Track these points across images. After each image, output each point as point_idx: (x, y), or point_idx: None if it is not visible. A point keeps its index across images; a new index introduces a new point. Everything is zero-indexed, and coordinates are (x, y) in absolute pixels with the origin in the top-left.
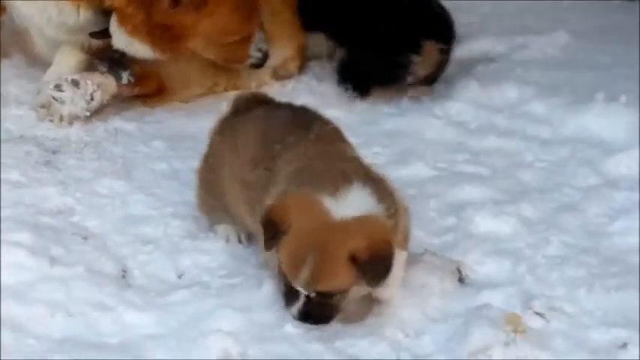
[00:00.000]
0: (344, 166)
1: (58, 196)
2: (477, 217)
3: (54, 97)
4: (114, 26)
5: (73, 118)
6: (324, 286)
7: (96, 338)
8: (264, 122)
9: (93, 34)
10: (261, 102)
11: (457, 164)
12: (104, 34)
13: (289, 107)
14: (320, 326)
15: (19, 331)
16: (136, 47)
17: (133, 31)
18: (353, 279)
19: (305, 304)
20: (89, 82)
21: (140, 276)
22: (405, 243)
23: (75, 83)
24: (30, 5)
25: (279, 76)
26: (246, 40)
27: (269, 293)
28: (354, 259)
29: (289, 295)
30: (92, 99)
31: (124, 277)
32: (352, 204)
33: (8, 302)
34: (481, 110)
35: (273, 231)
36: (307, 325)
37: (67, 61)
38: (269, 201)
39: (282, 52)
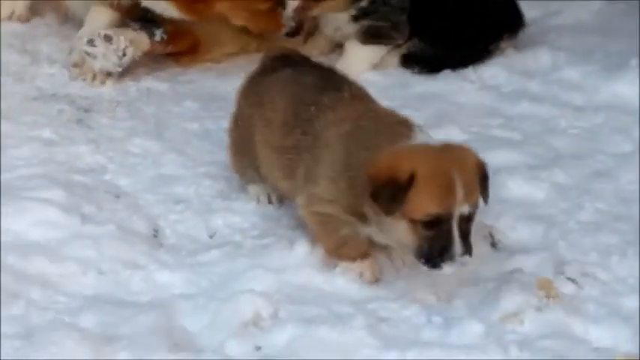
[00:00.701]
0: (394, 122)
1: (90, 155)
2: (509, 181)
3: (86, 52)
4: None
5: (105, 74)
6: (475, 198)
7: (127, 296)
8: (292, 84)
9: None
10: (291, 59)
11: (490, 129)
12: None
13: (316, 67)
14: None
15: (49, 288)
16: (161, 6)
17: None
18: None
19: (461, 236)
20: (122, 37)
21: (171, 235)
22: None
23: (107, 38)
24: None
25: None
26: (278, 7)
27: (301, 254)
28: (479, 176)
29: (438, 244)
30: (124, 55)
31: (155, 236)
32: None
33: (39, 259)
34: (515, 75)
35: (393, 190)
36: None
37: (99, 20)
38: (324, 168)
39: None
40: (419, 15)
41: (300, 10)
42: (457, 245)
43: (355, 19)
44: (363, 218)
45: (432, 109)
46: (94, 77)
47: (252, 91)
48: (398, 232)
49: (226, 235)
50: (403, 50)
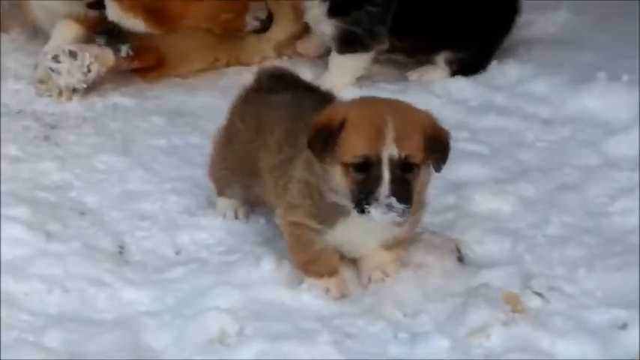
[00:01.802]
0: None
1: (55, 171)
2: (476, 195)
3: (51, 69)
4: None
5: (69, 90)
6: (410, 146)
7: (92, 314)
8: (291, 108)
9: (90, 5)
10: (286, 78)
11: (457, 142)
12: (100, 4)
13: (313, 91)
14: (403, 210)
15: (14, 306)
16: (130, 22)
17: (128, 7)
18: (423, 153)
19: (392, 180)
20: (87, 53)
21: (137, 252)
22: None
23: (72, 54)
24: None
25: (282, 52)
26: (241, 14)
27: (267, 270)
28: (424, 132)
29: (367, 187)
30: (89, 71)
31: (121, 253)
32: None
33: (4, 277)
34: (481, 88)
35: (325, 135)
36: (388, 216)
37: (65, 35)
38: (295, 173)
39: (286, 29)
40: (448, 24)
41: None
42: (385, 188)
43: (329, 14)
44: (328, 222)
45: None
46: (60, 93)
47: (248, 112)
48: (334, 179)
49: (192, 251)
50: (448, 70)
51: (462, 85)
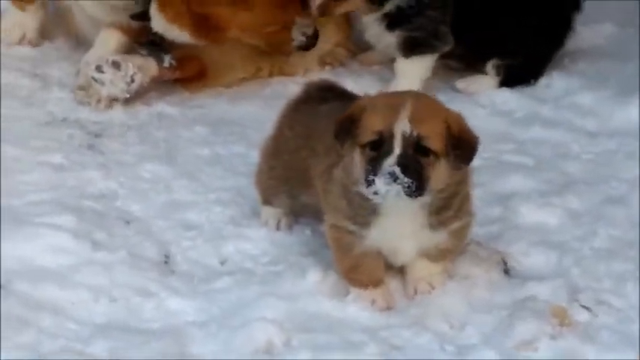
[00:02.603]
0: None
1: (100, 180)
2: (522, 207)
3: (94, 79)
4: (154, 10)
5: (112, 100)
6: (425, 128)
7: (138, 324)
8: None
9: (133, 16)
10: (335, 89)
11: (503, 154)
12: (144, 16)
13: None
14: (409, 187)
15: (60, 315)
16: (175, 33)
17: (174, 18)
18: (444, 146)
19: (401, 155)
20: (130, 64)
21: (183, 262)
22: None
23: (115, 65)
24: None
25: (326, 62)
26: (287, 27)
27: (313, 282)
28: (448, 126)
29: (377, 161)
30: (132, 81)
31: (166, 262)
32: None
33: (50, 286)
34: (527, 100)
35: (348, 123)
36: (393, 187)
37: (107, 44)
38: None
39: (329, 39)
40: (500, 33)
41: (323, 7)
42: (392, 158)
43: (389, 27)
44: (362, 223)
45: None
46: (99, 101)
47: (298, 122)
48: (355, 167)
49: (238, 261)
50: (496, 77)
51: (508, 97)
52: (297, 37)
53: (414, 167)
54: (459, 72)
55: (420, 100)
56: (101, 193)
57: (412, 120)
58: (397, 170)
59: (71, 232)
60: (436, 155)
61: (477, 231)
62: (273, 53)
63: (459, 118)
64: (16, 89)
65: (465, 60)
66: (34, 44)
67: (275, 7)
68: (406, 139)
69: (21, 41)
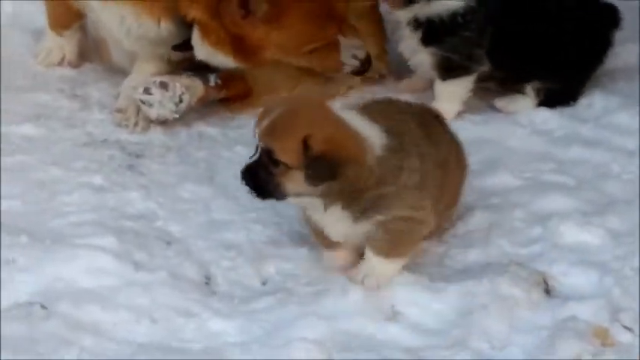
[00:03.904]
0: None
1: (141, 201)
2: (562, 227)
3: (142, 101)
4: (196, 38)
5: (148, 121)
6: (273, 140)
7: (179, 344)
8: None
9: (175, 47)
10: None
11: (542, 174)
12: (186, 46)
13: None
14: (254, 192)
15: (102, 335)
16: (219, 59)
17: (217, 43)
18: (297, 160)
19: (252, 162)
20: (177, 84)
21: (223, 282)
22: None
23: (163, 85)
24: (108, 14)
25: (368, 77)
26: (331, 47)
27: (354, 301)
28: (305, 143)
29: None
30: (181, 101)
31: (207, 283)
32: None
33: (92, 307)
34: (566, 119)
35: None
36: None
37: (147, 69)
38: None
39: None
40: (538, 56)
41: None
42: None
43: (424, 42)
44: None
45: (483, 154)
46: (136, 124)
47: None
48: None
49: (278, 281)
50: (536, 99)
51: (547, 116)
52: (349, 61)
53: (261, 173)
54: (498, 93)
55: (284, 116)
56: (141, 213)
57: (265, 134)
58: (245, 170)
59: (112, 253)
60: (286, 166)
61: (517, 251)
62: (325, 74)
63: (328, 140)
64: (57, 110)
65: (503, 82)
66: (74, 65)
67: (309, 25)
68: (262, 149)
69: (61, 62)
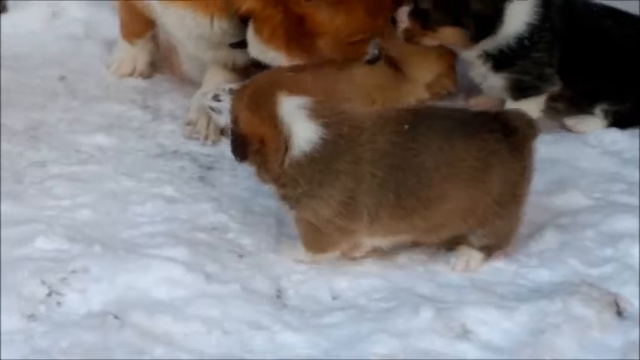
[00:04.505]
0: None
1: (212, 213)
2: (633, 249)
3: (212, 108)
4: (250, 34)
5: (217, 133)
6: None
7: (249, 356)
8: None
9: (232, 45)
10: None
11: (612, 194)
12: (242, 44)
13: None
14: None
15: (174, 346)
16: (271, 55)
17: (269, 37)
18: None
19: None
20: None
21: (295, 296)
22: None
23: (232, 92)
24: (169, 16)
25: (435, 92)
26: (370, 38)
27: (426, 319)
28: (236, 120)
29: None
30: None
31: (278, 296)
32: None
33: (164, 317)
34: (636, 140)
35: None
36: None
37: (217, 80)
38: None
39: (433, 68)
40: (608, 78)
41: (407, 32)
42: None
43: (494, 69)
44: None
45: (553, 173)
46: (207, 136)
47: None
48: None
49: (350, 297)
50: (605, 121)
51: (617, 137)
52: (371, 51)
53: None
54: (568, 113)
55: (239, 91)
56: (213, 225)
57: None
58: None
59: (185, 265)
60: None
61: (588, 271)
62: (385, 79)
63: (245, 123)
64: (128, 121)
65: (572, 103)
66: (146, 76)
67: (370, 15)
68: None
69: (132, 73)
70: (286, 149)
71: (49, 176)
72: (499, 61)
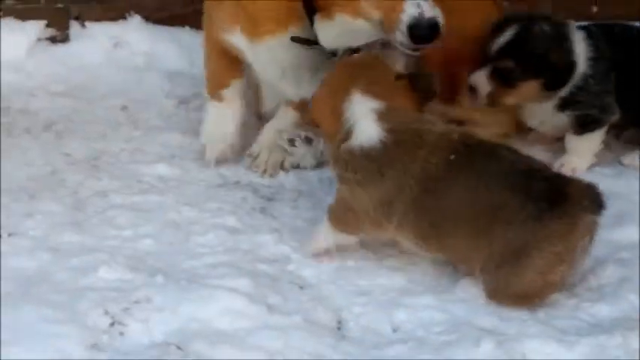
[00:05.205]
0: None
1: (273, 244)
2: None
3: (285, 149)
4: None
5: (275, 168)
6: None
7: None
8: None
9: (293, 38)
10: None
11: None
12: (305, 40)
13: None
14: None
15: None
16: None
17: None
18: None
19: None
20: (321, 139)
21: (355, 328)
22: None
23: (308, 141)
24: (260, 54)
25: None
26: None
27: (486, 351)
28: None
29: None
30: (321, 155)
31: (339, 328)
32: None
33: (227, 348)
34: None
35: None
36: None
37: (287, 118)
38: None
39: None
40: None
41: (491, 96)
42: None
43: (560, 108)
44: None
45: (613, 207)
46: (265, 171)
47: None
48: None
49: (409, 329)
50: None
51: None
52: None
53: None
54: (629, 145)
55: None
56: (275, 257)
57: None
58: None
59: (247, 296)
60: None
61: None
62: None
63: (315, 105)
64: (191, 152)
65: (630, 131)
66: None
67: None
68: None
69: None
70: (346, 138)
71: (110, 206)
72: (565, 102)
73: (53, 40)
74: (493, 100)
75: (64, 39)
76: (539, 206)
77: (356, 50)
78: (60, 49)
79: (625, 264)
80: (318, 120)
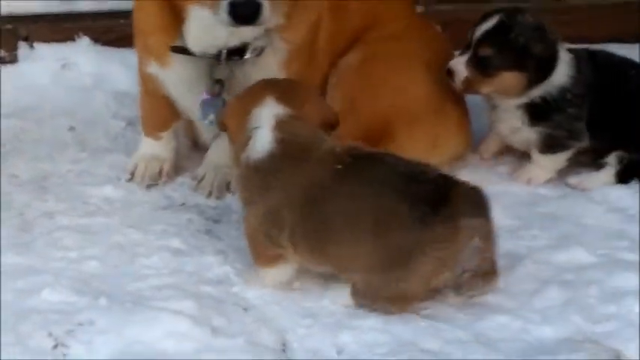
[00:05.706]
0: None
1: (217, 266)
2: (636, 305)
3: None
4: None
5: (221, 191)
6: None
7: None
8: None
9: (174, 49)
10: None
11: (617, 251)
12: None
13: None
14: None
15: None
16: None
17: None
18: None
19: None
20: None
21: (300, 350)
22: None
23: None
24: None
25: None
26: None
27: None
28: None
29: None
30: None
31: (284, 350)
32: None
33: None
34: None
35: None
36: None
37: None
38: None
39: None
40: (621, 126)
41: (467, 82)
42: None
43: (531, 122)
44: None
45: (557, 229)
46: (210, 194)
47: None
48: None
49: (354, 351)
50: (616, 167)
51: (622, 194)
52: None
53: None
54: (584, 165)
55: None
56: (219, 279)
57: None
58: None
59: (191, 318)
60: None
61: (591, 328)
62: None
63: (227, 110)
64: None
65: (590, 152)
66: (170, 177)
67: None
68: None
69: (158, 177)
70: (244, 146)
71: (57, 227)
72: (538, 112)
73: (1, 60)
74: (469, 87)
75: (13, 60)
76: (423, 210)
77: (238, 50)
78: (8, 69)
79: (569, 286)
80: (227, 122)
